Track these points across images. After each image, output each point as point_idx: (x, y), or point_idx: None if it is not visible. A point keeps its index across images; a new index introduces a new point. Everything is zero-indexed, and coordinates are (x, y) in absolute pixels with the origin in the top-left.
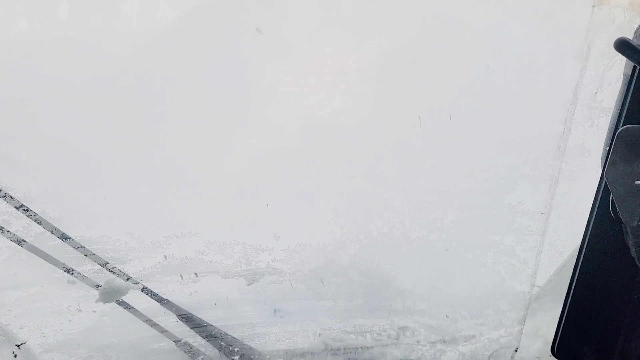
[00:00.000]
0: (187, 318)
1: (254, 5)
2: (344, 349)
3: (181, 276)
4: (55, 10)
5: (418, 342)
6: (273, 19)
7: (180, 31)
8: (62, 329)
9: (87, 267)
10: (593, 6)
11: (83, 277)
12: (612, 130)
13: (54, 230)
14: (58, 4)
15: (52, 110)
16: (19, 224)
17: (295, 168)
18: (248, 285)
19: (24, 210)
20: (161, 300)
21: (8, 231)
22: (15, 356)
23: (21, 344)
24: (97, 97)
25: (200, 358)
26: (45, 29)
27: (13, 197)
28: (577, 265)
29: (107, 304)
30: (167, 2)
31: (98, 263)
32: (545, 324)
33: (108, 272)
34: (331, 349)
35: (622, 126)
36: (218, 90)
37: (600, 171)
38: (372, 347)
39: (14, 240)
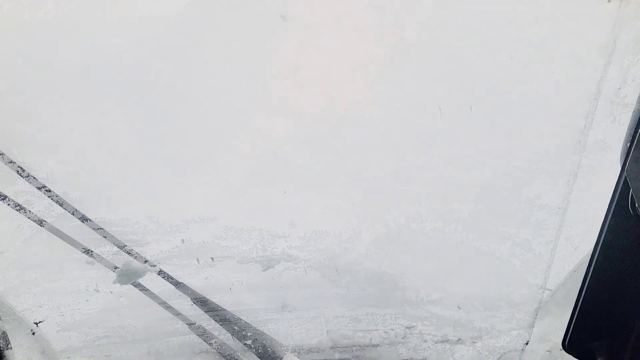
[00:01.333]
0: (201, 302)
1: None
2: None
3: (198, 260)
4: None
5: (429, 334)
6: (298, 6)
7: (204, 16)
8: (80, 309)
9: (106, 249)
10: (620, 0)
11: (101, 259)
12: (634, 126)
13: (74, 212)
14: None
15: (75, 94)
16: (41, 205)
17: (313, 156)
18: (263, 271)
19: (46, 191)
20: (177, 284)
21: (30, 211)
22: (33, 334)
23: (39, 322)
24: (119, 80)
25: (213, 341)
26: (68, 11)
27: (36, 177)
28: (592, 260)
29: (124, 285)
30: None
31: (116, 245)
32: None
33: (126, 254)
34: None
35: None
36: (240, 75)
37: (620, 167)
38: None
39: (35, 220)
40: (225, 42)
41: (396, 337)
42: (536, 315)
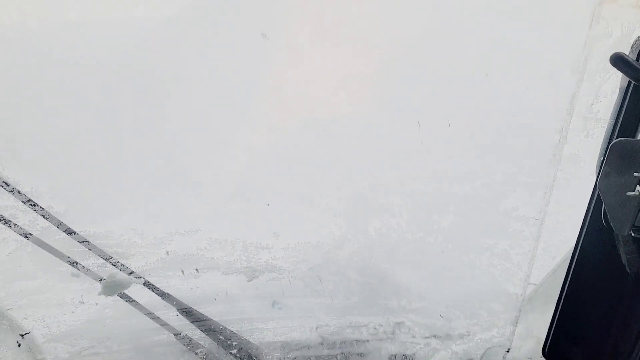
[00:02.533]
0: (187, 312)
1: (259, 11)
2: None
3: (182, 272)
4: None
5: (413, 337)
6: (278, 24)
7: (186, 33)
8: (65, 320)
9: (91, 261)
10: (591, 21)
11: (87, 271)
12: (607, 141)
13: (59, 225)
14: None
15: (59, 109)
16: (26, 218)
17: (296, 169)
18: (248, 281)
19: (31, 204)
20: (162, 295)
21: (15, 225)
22: (19, 345)
23: (25, 334)
24: (102, 95)
25: (199, 351)
26: (47, 29)
27: (20, 191)
28: (570, 270)
29: (110, 297)
30: (174, 5)
31: (102, 257)
32: (538, 325)
33: (111, 266)
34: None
35: (615, 138)
36: (221, 91)
37: (594, 180)
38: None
39: (20, 234)
40: (207, 59)
41: (385, 333)
42: (516, 323)
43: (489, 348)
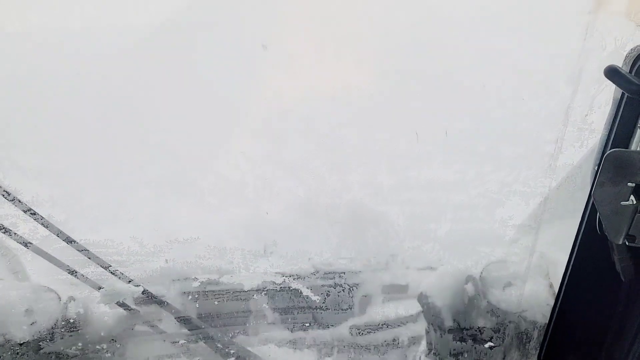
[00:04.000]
0: (185, 320)
1: (261, 22)
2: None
3: (181, 280)
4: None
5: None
6: (278, 35)
7: (189, 44)
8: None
9: (90, 270)
10: (585, 34)
11: (86, 279)
12: (601, 151)
13: (59, 234)
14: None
15: (60, 117)
16: (26, 227)
17: (295, 178)
18: (246, 291)
19: (31, 213)
20: (161, 303)
21: (15, 233)
22: (17, 354)
23: (23, 343)
24: (104, 105)
25: (197, 359)
26: (48, 37)
27: (21, 200)
28: (565, 277)
29: (108, 305)
30: (180, 16)
31: (101, 266)
32: None
33: (110, 274)
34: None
35: (609, 149)
36: (221, 99)
37: (589, 190)
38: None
39: (20, 242)
40: (209, 68)
41: (378, 264)
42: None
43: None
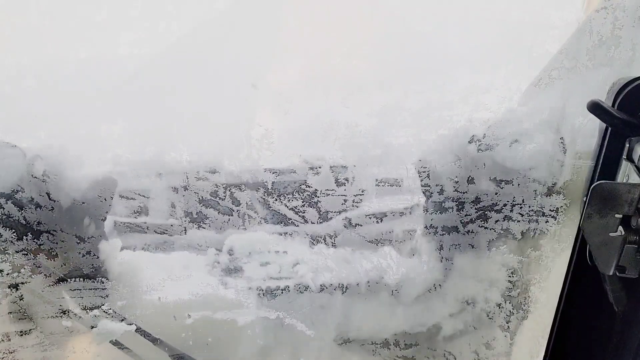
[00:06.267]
0: (180, 358)
1: (251, 63)
2: None
3: (174, 317)
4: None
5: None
6: (268, 75)
7: (178, 83)
8: None
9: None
10: (568, 72)
11: (78, 318)
12: (589, 182)
13: (51, 273)
14: None
15: None
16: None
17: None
18: (240, 325)
19: (24, 254)
20: (155, 341)
21: (7, 274)
22: None
23: None
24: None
25: None
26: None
27: (14, 242)
28: (558, 310)
29: (101, 344)
30: (167, 57)
31: (93, 304)
32: None
33: (103, 313)
34: None
35: (596, 181)
36: (211, 138)
37: (578, 221)
38: None
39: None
40: (198, 107)
41: (372, 159)
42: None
43: None
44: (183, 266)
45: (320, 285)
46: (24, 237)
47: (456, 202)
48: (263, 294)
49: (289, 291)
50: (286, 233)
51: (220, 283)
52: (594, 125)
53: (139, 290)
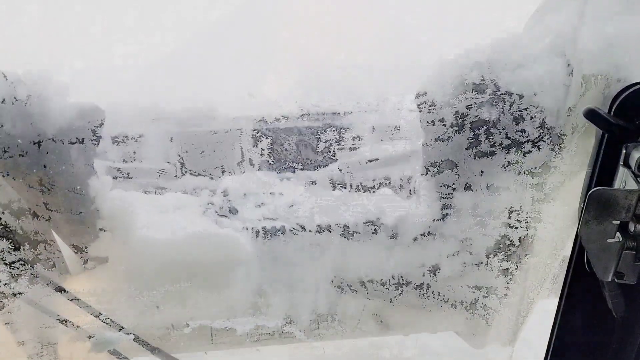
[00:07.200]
0: None
1: (246, 72)
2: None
3: (172, 326)
4: None
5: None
6: (263, 84)
7: (180, 86)
8: None
9: (81, 318)
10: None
11: (76, 328)
12: (586, 189)
13: (49, 283)
14: None
15: None
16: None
17: None
18: (239, 335)
19: (21, 264)
20: (153, 350)
21: (5, 284)
22: None
23: None
24: None
25: None
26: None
27: (10, 252)
28: (557, 316)
29: (100, 354)
30: (165, 65)
31: (92, 314)
32: None
33: (101, 322)
34: None
35: (593, 187)
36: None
37: (576, 228)
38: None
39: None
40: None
41: (369, 105)
42: None
43: None
44: (175, 207)
45: (317, 226)
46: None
47: (457, 131)
48: (258, 235)
49: (284, 232)
50: (283, 179)
51: (214, 223)
52: (602, 46)
53: (131, 228)
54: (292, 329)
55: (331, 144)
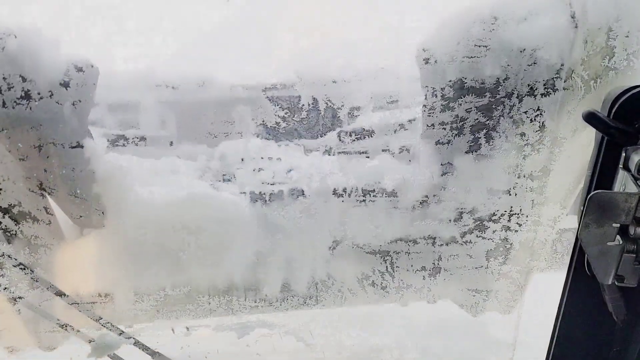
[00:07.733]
0: None
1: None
2: None
3: (173, 330)
4: None
5: None
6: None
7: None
8: None
9: (81, 322)
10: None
11: (76, 332)
12: (586, 192)
13: (49, 287)
14: None
15: None
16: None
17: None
18: (239, 339)
19: (21, 268)
20: (153, 354)
21: (5, 288)
22: None
23: None
24: None
25: None
26: None
27: (11, 256)
28: (558, 320)
29: (100, 358)
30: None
31: (91, 318)
32: None
33: (101, 326)
34: None
35: (593, 190)
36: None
37: (576, 231)
38: None
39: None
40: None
41: (367, 73)
42: None
43: None
44: (172, 171)
45: (316, 191)
46: None
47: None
48: (256, 199)
49: (282, 197)
50: (281, 145)
51: (212, 188)
52: None
53: (126, 190)
54: (289, 294)
55: (332, 112)
